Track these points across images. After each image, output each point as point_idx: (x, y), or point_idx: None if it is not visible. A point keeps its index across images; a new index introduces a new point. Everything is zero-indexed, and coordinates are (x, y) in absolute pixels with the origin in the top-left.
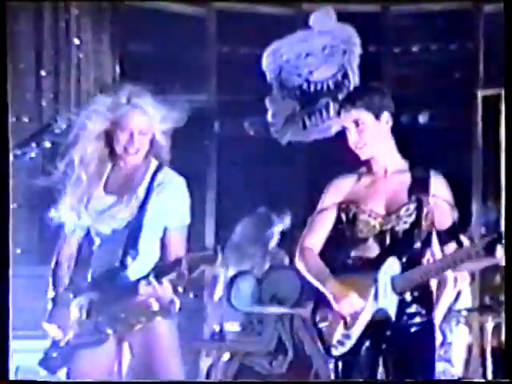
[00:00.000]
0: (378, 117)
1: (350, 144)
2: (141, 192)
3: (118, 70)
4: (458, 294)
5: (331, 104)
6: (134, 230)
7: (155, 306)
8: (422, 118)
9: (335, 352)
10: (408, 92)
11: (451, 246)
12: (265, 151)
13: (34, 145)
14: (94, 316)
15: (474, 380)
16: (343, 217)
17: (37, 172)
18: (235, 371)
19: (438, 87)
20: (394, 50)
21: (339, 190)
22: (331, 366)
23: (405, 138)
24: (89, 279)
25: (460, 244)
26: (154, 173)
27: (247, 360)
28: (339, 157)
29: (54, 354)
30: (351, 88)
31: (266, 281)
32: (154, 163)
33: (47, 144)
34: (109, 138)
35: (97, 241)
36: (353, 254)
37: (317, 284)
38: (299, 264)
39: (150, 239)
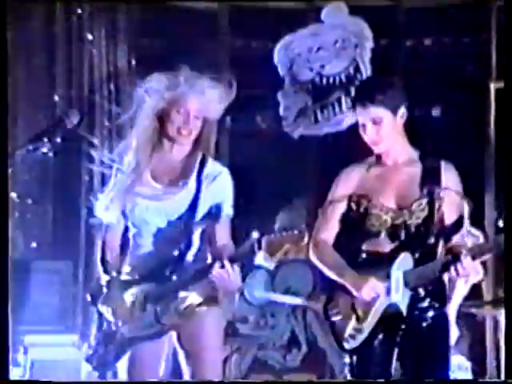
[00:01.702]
0: (394, 112)
1: (365, 139)
2: (191, 184)
3: (130, 65)
4: (472, 287)
5: (343, 98)
6: (188, 222)
7: (196, 301)
8: (435, 111)
9: (347, 346)
10: (420, 85)
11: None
12: (277, 145)
13: (46, 140)
14: (150, 308)
15: (487, 380)
16: (354, 208)
17: (49, 167)
18: (249, 365)
19: (451, 80)
20: (406, 43)
21: (349, 181)
22: (346, 359)
23: (417, 131)
24: (140, 270)
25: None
26: (201, 164)
27: (260, 353)
28: (351, 150)
29: (108, 349)
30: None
31: (278, 274)
32: (199, 154)
33: (59, 139)
34: (162, 119)
35: (143, 230)
36: (364, 247)
37: (334, 276)
38: (314, 257)
39: (199, 231)
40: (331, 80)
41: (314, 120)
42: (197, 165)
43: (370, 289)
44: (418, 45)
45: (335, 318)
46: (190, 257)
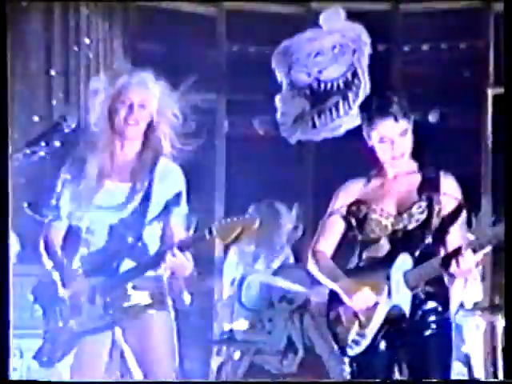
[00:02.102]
0: (410, 122)
1: (382, 154)
2: (143, 181)
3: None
4: (468, 293)
5: (341, 103)
6: (139, 218)
7: (146, 300)
8: (432, 117)
9: (351, 352)
10: (418, 91)
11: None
12: (274, 150)
13: (43, 144)
14: (98, 300)
15: (487, 380)
16: (353, 220)
17: (46, 171)
18: (245, 370)
19: (448, 86)
20: (404, 48)
21: (349, 193)
22: (347, 365)
23: (415, 138)
24: (89, 265)
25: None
26: (153, 163)
27: (257, 359)
28: (349, 156)
29: (48, 346)
30: (362, 87)
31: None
32: (151, 152)
33: (56, 143)
34: (109, 116)
35: (97, 229)
36: (365, 255)
37: (329, 284)
38: (311, 266)
39: (151, 227)
40: (329, 85)
41: (311, 125)
42: (148, 163)
43: (361, 298)
44: (415, 50)
45: (336, 325)
46: (139, 250)
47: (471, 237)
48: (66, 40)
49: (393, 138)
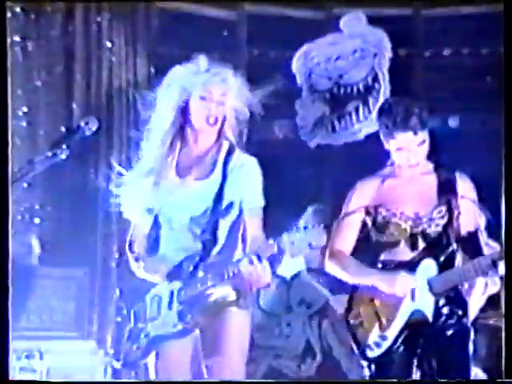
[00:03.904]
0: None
1: (400, 161)
2: (216, 176)
3: (149, 73)
4: (489, 299)
5: (361, 107)
6: (212, 217)
7: (232, 296)
8: (452, 122)
9: (371, 354)
10: (438, 95)
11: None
12: (294, 154)
13: (64, 146)
14: (175, 306)
15: (488, 380)
16: (370, 220)
17: (67, 173)
18: (263, 373)
19: (469, 91)
20: (425, 53)
21: (364, 193)
22: (365, 367)
23: (435, 142)
24: (164, 267)
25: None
26: (227, 156)
27: (275, 362)
28: (368, 160)
29: (134, 347)
30: (382, 92)
31: (294, 284)
32: (225, 146)
33: (77, 146)
34: (183, 110)
35: (168, 226)
36: (383, 257)
37: (358, 280)
38: (331, 265)
39: (226, 224)
40: (349, 89)
41: (331, 129)
42: (222, 156)
43: (403, 284)
44: (436, 55)
45: (356, 326)
46: (215, 252)
47: (493, 244)
48: (87, 43)
49: (411, 149)
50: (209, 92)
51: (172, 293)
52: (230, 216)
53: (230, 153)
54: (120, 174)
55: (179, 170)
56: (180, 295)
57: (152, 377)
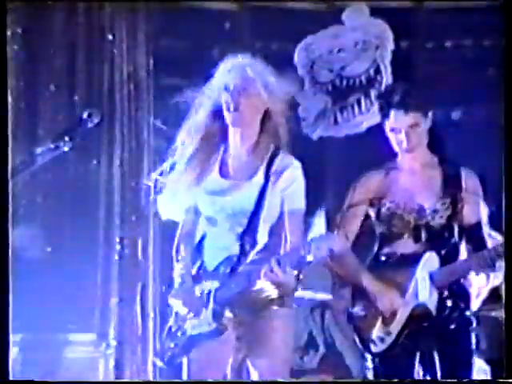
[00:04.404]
0: (425, 116)
1: (396, 146)
2: (258, 179)
3: (151, 65)
4: (492, 292)
5: (363, 99)
6: (252, 219)
7: (273, 294)
8: (455, 115)
9: (375, 349)
10: (441, 88)
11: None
12: (295, 146)
13: (66, 139)
14: (212, 306)
15: (489, 380)
16: (374, 212)
17: (70, 166)
18: None
19: (472, 83)
20: (427, 45)
21: (368, 186)
22: (369, 362)
23: (437, 135)
24: (207, 267)
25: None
26: (271, 159)
27: None
28: (370, 152)
29: (172, 345)
30: (384, 83)
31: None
32: (269, 147)
33: (80, 139)
34: (218, 113)
35: (210, 226)
36: (386, 250)
37: (352, 280)
38: (332, 262)
39: (266, 226)
40: (351, 81)
41: (333, 121)
42: (267, 157)
43: (389, 302)
44: (439, 47)
45: (360, 320)
46: (254, 254)
47: (496, 235)
48: (89, 36)
49: (403, 129)
50: (230, 82)
51: (209, 292)
52: (270, 218)
53: (274, 155)
54: (161, 174)
55: (222, 170)
56: (216, 295)
57: (184, 377)
